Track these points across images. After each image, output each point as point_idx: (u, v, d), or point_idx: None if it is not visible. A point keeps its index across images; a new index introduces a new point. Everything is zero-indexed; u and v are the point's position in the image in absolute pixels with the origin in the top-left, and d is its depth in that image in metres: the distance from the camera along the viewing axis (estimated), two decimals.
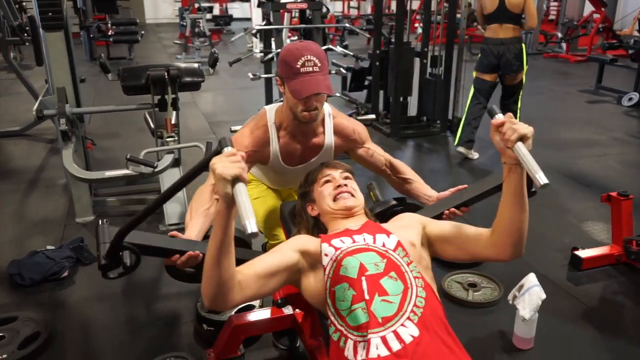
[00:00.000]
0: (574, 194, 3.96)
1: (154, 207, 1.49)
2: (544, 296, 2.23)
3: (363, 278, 1.40)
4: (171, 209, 3.37)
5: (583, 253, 2.91)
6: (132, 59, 10.02)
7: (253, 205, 2.28)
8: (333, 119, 2.00)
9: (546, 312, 2.44)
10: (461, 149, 4.70)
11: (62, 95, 3.04)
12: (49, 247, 3.01)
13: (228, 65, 5.32)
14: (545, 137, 5.32)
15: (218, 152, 1.23)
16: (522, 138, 1.29)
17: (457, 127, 4.90)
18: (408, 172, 2.10)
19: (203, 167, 1.31)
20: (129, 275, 2.79)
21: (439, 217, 1.83)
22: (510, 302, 2.30)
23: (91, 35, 9.81)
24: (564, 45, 10.35)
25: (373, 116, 4.79)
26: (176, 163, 3.17)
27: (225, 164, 1.17)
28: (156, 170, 2.89)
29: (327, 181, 1.75)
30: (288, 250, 1.53)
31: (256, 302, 2.48)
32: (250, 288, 1.39)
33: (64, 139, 3.05)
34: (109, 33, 9.89)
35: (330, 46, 4.78)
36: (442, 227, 1.63)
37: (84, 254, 3.00)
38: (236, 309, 2.41)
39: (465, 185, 1.93)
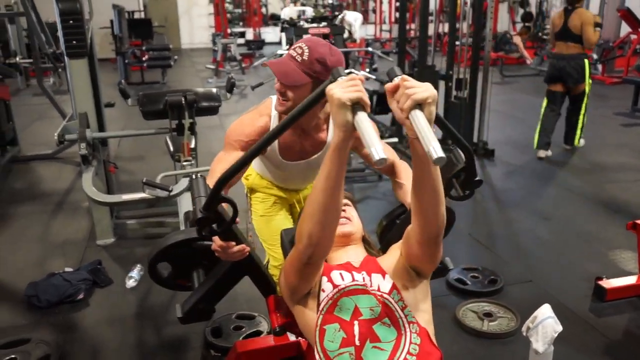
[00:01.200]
0: (602, 220, 3.83)
1: (251, 156, 1.31)
2: (559, 328, 2.13)
3: (356, 322, 1.36)
4: None
5: (607, 283, 2.80)
6: (165, 83, 10.26)
7: (258, 222, 2.25)
8: None
9: (565, 345, 2.35)
10: (540, 153, 5.26)
11: (84, 121, 3.11)
12: (67, 269, 3.06)
13: (251, 89, 5.39)
14: (576, 161, 5.19)
15: (332, 82, 1.15)
16: (421, 105, 1.06)
17: (483, 150, 5.24)
18: (404, 176, 1.91)
19: (319, 96, 1.20)
20: (141, 299, 2.84)
21: None
22: (524, 333, 2.21)
23: (126, 61, 10.10)
24: (599, 67, 10.13)
25: (396, 139, 4.75)
26: None
27: (345, 88, 1.10)
28: (171, 194, 2.91)
29: None
30: None
31: (264, 328, 2.46)
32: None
33: (84, 162, 3.12)
34: (143, 58, 10.17)
35: (352, 70, 4.78)
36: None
37: (101, 277, 3.04)
38: (243, 335, 2.40)
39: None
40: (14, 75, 5.44)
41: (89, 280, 2.98)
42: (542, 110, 5.34)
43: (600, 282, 2.80)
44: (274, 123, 1.88)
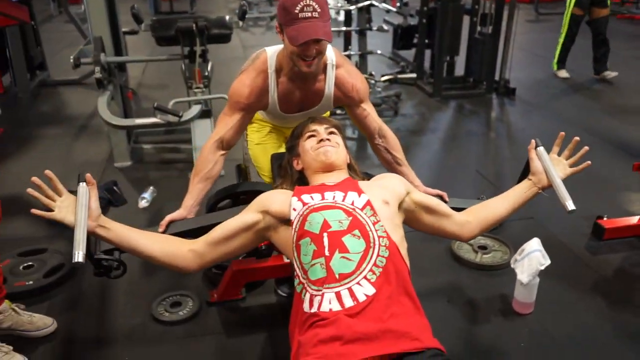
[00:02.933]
0: (615, 162, 3.78)
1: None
2: (546, 262, 2.19)
3: (325, 234, 1.43)
4: None
5: (607, 222, 2.81)
6: (193, 12, 10.18)
7: (254, 151, 2.34)
8: (336, 69, 1.92)
9: (555, 279, 2.41)
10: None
11: (98, 44, 3.17)
12: None
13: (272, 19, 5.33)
14: (597, 103, 5.07)
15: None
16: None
17: (504, 89, 5.20)
18: (399, 152, 2.06)
19: None
20: (152, 217, 2.98)
21: None
22: (511, 265, 2.28)
23: None
24: None
25: (414, 75, 4.70)
26: (206, 114, 3.25)
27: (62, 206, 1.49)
28: (182, 119, 2.99)
29: (312, 135, 1.77)
30: (249, 211, 1.61)
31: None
32: (210, 254, 1.59)
33: (99, 86, 3.20)
34: None
35: (373, 2, 4.68)
36: (428, 197, 1.75)
37: (116, 196, 3.17)
38: (242, 256, 2.52)
39: (445, 194, 2.02)
40: None
41: (104, 199, 3.11)
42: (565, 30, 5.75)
43: (600, 221, 2.82)
44: (272, 81, 1.90)
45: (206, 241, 1.59)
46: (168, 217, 1.80)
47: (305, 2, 1.66)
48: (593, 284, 2.47)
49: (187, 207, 1.83)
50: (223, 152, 1.91)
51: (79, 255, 1.32)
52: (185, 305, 2.29)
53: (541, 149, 1.75)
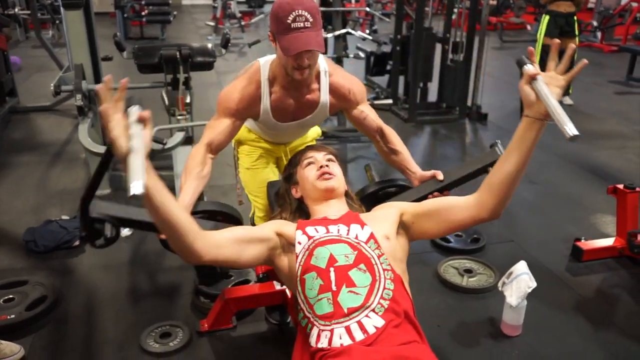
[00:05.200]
0: (587, 185, 3.91)
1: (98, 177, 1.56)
2: (533, 285, 2.24)
3: (332, 269, 1.44)
4: None
5: (585, 244, 2.90)
6: (164, 38, 10.18)
7: (245, 175, 2.32)
8: (329, 77, 1.94)
9: (539, 301, 2.46)
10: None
11: (79, 72, 3.15)
12: (63, 217, 3.15)
13: (248, 47, 5.39)
14: None
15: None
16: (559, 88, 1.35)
17: (476, 114, 5.28)
18: (397, 142, 2.05)
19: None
20: (136, 246, 2.94)
21: (422, 199, 1.86)
22: (500, 288, 2.32)
23: (125, 15, 9.98)
24: (598, 34, 10.06)
25: (390, 101, 4.80)
26: (188, 141, 3.25)
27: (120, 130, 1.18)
28: (165, 147, 2.98)
29: (310, 163, 1.79)
30: (267, 227, 1.60)
31: (252, 278, 2.56)
32: (227, 248, 1.47)
33: (80, 113, 3.17)
34: (143, 13, 10.05)
35: (350, 30, 4.78)
36: (421, 206, 1.67)
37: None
38: (232, 284, 2.50)
39: (439, 172, 1.95)
40: (10, 24, 5.40)
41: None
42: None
43: (578, 243, 2.91)
44: (264, 90, 1.91)
45: (231, 234, 1.51)
46: None
47: (298, 12, 1.67)
48: (576, 304, 2.54)
49: (186, 206, 1.74)
50: (212, 155, 1.87)
51: (139, 186, 1.07)
52: (175, 335, 2.25)
53: (539, 78, 1.35)
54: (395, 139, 2.06)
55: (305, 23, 1.68)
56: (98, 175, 1.55)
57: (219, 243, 1.46)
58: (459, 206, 1.57)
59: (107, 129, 1.17)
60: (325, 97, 1.96)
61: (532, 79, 1.34)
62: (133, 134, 1.18)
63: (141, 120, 1.22)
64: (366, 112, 2.03)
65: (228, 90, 1.91)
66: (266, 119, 1.98)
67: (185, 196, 1.73)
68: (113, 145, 1.17)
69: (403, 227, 1.66)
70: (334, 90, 1.96)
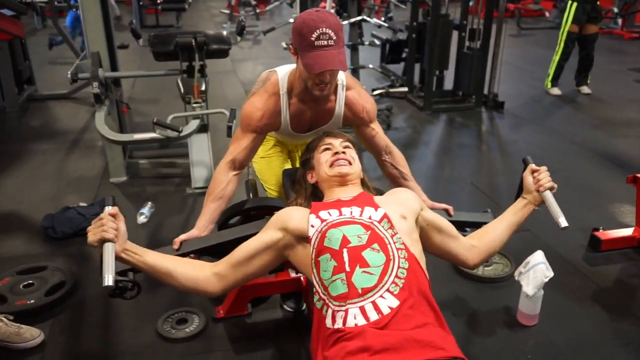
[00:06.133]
0: (606, 174, 3.86)
1: None
2: (550, 274, 2.22)
3: (345, 250, 1.44)
4: (198, 173, 3.49)
5: (603, 234, 2.87)
6: (179, 26, 10.18)
7: (259, 164, 2.34)
8: (346, 91, 1.96)
9: (556, 291, 2.44)
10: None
11: (96, 60, 3.17)
12: (81, 204, 3.18)
13: (262, 34, 5.37)
14: (584, 115, 5.18)
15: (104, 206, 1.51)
16: (552, 187, 1.76)
17: (493, 102, 5.27)
18: (405, 167, 2.09)
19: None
20: (152, 233, 2.96)
21: None
22: (516, 278, 2.31)
23: (141, 3, 10.00)
24: (619, 21, 9.88)
25: (405, 89, 4.76)
26: (203, 129, 3.26)
27: (94, 230, 1.43)
28: (181, 134, 2.99)
29: (327, 149, 1.79)
30: (269, 229, 1.61)
31: None
32: (232, 275, 1.59)
33: (97, 101, 3.19)
34: (158, 1, 10.06)
35: (365, 17, 4.74)
36: (438, 216, 1.74)
37: None
38: None
39: (451, 208, 2.06)
40: (26, 11, 5.43)
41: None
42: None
43: (596, 233, 2.87)
44: (283, 103, 1.92)
45: (228, 263, 1.58)
46: (181, 237, 1.79)
47: (322, 30, 1.66)
48: (593, 294, 2.51)
49: (200, 227, 1.83)
50: (236, 172, 1.92)
51: (109, 279, 1.33)
52: (191, 321, 2.28)
53: (547, 192, 1.77)
54: (402, 161, 2.11)
55: (329, 41, 1.67)
56: None
57: (219, 276, 1.58)
58: (460, 241, 1.74)
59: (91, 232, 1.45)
60: (340, 109, 1.98)
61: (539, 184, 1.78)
62: (106, 230, 1.42)
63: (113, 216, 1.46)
64: (376, 130, 2.06)
65: (249, 107, 1.92)
66: (285, 130, 2.00)
67: (202, 220, 1.84)
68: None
69: (418, 223, 1.66)
70: (349, 105, 1.98)
